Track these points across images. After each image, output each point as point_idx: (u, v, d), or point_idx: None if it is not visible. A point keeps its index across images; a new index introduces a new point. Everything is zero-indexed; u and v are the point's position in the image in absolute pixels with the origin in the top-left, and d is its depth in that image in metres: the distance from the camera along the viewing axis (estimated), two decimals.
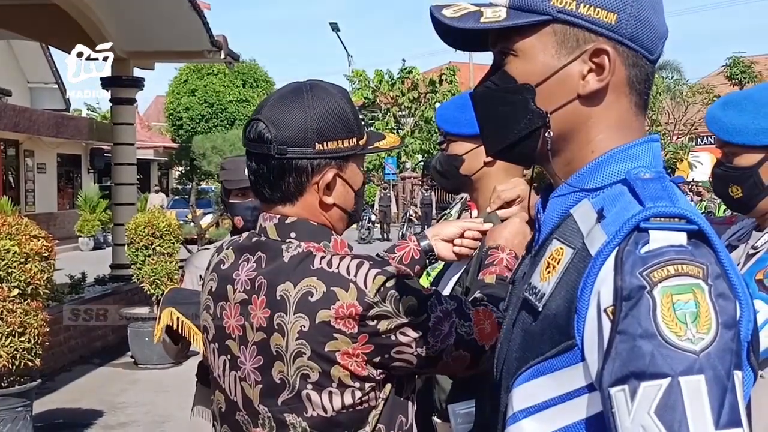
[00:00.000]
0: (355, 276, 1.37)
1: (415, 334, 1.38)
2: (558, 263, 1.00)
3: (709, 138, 32.24)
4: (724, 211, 10.66)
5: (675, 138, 28.00)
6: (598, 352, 0.90)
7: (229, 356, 1.48)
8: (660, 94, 26.86)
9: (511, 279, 1.22)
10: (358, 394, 1.39)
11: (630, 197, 0.97)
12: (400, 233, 23.13)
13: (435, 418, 2.21)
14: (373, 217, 24.43)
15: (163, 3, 9.04)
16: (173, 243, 7.87)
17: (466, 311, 1.45)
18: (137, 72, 10.42)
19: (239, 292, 1.47)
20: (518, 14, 1.03)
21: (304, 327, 1.36)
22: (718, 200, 13.35)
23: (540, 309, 1.00)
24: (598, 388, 0.91)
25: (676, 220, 0.91)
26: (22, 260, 4.77)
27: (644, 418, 0.84)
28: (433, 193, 24.02)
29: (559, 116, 1.04)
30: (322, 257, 1.40)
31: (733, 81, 29.33)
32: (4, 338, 4.61)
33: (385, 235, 24.27)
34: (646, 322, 0.86)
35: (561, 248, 1.01)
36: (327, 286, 1.36)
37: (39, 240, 4.93)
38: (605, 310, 0.90)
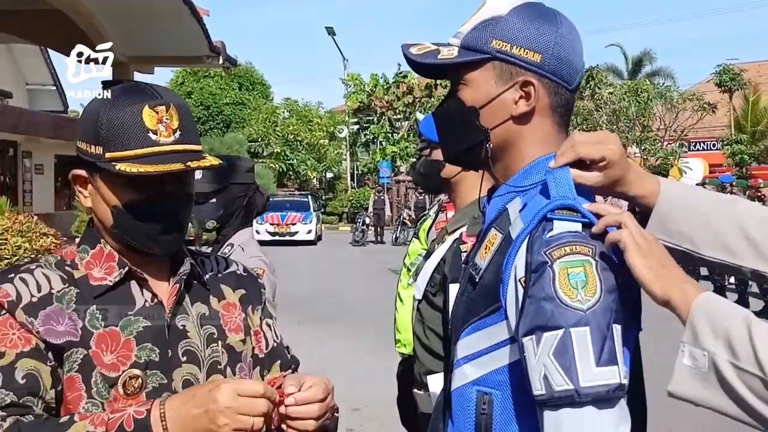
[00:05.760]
0: None
1: None
2: (492, 245, 1.30)
3: (700, 144, 32.64)
4: None
5: (666, 144, 28.34)
6: (516, 312, 1.20)
7: None
8: (651, 101, 27.21)
9: (465, 260, 1.51)
10: None
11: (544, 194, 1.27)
12: (394, 236, 23.36)
13: (416, 390, 2.52)
14: (367, 220, 24.64)
15: (163, 9, 9.33)
16: None
17: None
18: (137, 76, 10.68)
19: None
20: (467, 53, 1.34)
21: None
22: None
23: (477, 280, 1.30)
24: (516, 339, 1.20)
25: (574, 212, 1.21)
26: (33, 256, 5.06)
27: (545, 359, 1.13)
28: (427, 196, 24.27)
29: (497, 132, 1.34)
30: None
31: (723, 88, 29.73)
32: None
33: (378, 238, 24.46)
34: (548, 288, 1.15)
35: (495, 234, 1.31)
36: None
37: (48, 237, 5.22)
38: (519, 280, 1.20)
